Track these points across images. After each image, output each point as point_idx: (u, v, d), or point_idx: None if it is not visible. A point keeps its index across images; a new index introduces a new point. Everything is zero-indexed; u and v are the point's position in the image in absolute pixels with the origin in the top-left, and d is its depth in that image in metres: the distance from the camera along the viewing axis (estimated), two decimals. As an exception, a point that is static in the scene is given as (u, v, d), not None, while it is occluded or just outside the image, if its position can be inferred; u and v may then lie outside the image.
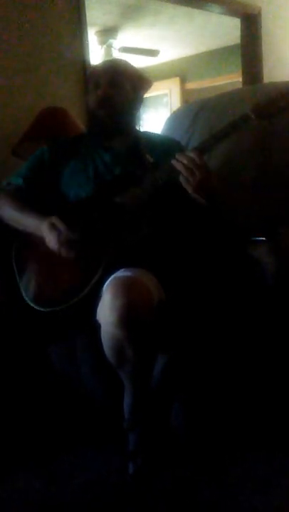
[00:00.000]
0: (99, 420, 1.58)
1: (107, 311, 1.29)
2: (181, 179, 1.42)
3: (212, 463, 1.48)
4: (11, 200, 1.64)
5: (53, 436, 1.62)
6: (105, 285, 1.35)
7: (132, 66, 1.70)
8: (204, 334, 1.44)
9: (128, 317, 1.25)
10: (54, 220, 1.47)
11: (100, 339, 1.36)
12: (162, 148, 1.65)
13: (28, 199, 1.64)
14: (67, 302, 1.41)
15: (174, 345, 1.44)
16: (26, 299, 1.48)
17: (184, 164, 1.41)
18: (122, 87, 1.62)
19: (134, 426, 1.41)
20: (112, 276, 1.35)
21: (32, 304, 1.46)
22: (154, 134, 1.81)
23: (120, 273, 1.35)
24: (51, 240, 1.46)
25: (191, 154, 1.43)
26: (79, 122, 2.33)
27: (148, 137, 1.72)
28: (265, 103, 1.47)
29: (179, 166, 1.42)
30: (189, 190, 1.43)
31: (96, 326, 1.38)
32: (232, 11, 3.65)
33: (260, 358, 1.55)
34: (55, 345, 1.65)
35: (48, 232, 1.47)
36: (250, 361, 1.54)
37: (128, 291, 1.27)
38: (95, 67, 1.76)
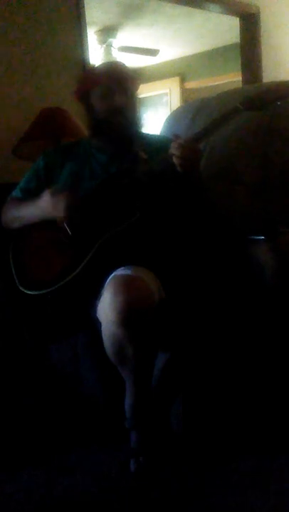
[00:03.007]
0: (100, 418, 1.59)
1: (107, 309, 1.30)
2: (175, 159, 1.46)
3: (212, 462, 1.48)
4: (9, 205, 1.74)
5: (54, 433, 1.62)
6: (106, 283, 1.36)
7: (129, 68, 1.70)
8: (204, 332, 1.45)
9: (128, 315, 1.26)
10: (50, 189, 1.56)
11: (100, 337, 1.37)
12: (157, 145, 1.65)
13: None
14: (55, 286, 1.44)
15: (174, 343, 1.45)
16: (18, 284, 1.52)
17: (177, 146, 1.45)
18: (132, 94, 1.63)
19: (135, 424, 1.42)
20: (112, 275, 1.36)
21: (22, 289, 1.50)
22: (149, 134, 1.82)
23: (120, 271, 1.36)
24: (53, 201, 1.52)
25: (185, 139, 1.49)
26: (79, 122, 2.33)
27: (143, 137, 1.73)
28: (253, 96, 1.54)
29: (174, 149, 1.46)
30: (181, 169, 1.46)
31: (97, 324, 1.39)
32: (231, 10, 3.66)
33: (259, 357, 1.55)
34: (56, 344, 1.66)
35: (49, 198, 1.53)
36: (250, 360, 1.54)
37: (128, 289, 1.28)
38: (97, 73, 1.71)
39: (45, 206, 1.55)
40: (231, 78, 5.00)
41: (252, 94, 1.55)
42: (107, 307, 1.30)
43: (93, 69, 1.86)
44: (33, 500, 1.40)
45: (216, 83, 5.48)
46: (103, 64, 1.84)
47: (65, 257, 1.50)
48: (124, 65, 1.71)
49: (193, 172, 1.51)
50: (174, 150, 1.46)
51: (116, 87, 1.60)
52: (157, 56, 5.19)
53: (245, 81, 3.84)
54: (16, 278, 1.54)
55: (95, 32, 4.59)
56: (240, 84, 3.96)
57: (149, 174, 1.52)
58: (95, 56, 4.60)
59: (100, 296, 1.37)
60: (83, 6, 2.69)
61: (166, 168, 1.49)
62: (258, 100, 1.54)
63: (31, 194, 1.70)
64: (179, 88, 5.95)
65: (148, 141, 1.70)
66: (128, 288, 1.28)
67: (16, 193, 1.76)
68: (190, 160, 1.46)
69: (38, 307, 1.50)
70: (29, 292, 1.49)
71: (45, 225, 1.58)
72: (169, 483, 1.42)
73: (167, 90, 5.99)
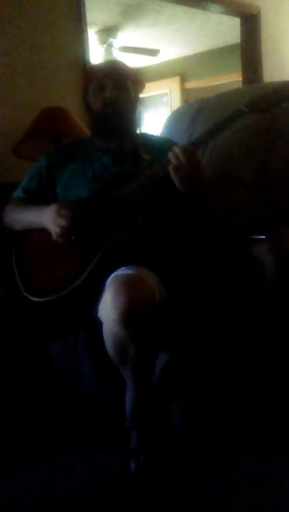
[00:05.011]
0: (100, 417, 1.59)
1: (108, 308, 1.30)
2: (170, 168, 1.43)
3: (212, 461, 1.49)
4: (12, 206, 1.73)
5: (55, 432, 1.63)
6: (107, 283, 1.36)
7: (130, 67, 1.71)
8: (204, 332, 1.45)
9: (130, 315, 1.26)
10: (61, 203, 1.52)
11: (101, 337, 1.37)
12: (159, 148, 1.65)
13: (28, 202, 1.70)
14: (60, 293, 1.43)
15: (174, 343, 1.45)
16: (22, 289, 1.51)
17: (175, 154, 1.43)
18: (127, 89, 1.63)
19: (136, 424, 1.42)
20: (114, 274, 1.36)
21: (26, 294, 1.49)
22: (152, 136, 1.83)
23: (122, 271, 1.36)
24: (55, 223, 1.49)
25: (185, 146, 1.46)
26: (79, 122, 2.34)
27: (146, 138, 1.73)
28: (258, 98, 1.52)
29: (171, 157, 1.44)
30: (176, 180, 1.44)
31: (98, 324, 1.39)
32: (231, 10, 3.66)
33: (259, 356, 1.55)
34: (56, 342, 1.66)
35: (53, 213, 1.50)
36: (250, 359, 1.55)
37: (129, 289, 1.28)
38: (95, 69, 1.75)
39: (47, 219, 1.53)
40: (231, 78, 5.01)
41: (257, 96, 1.52)
42: (108, 307, 1.30)
43: (93, 66, 1.87)
44: (33, 499, 1.40)
45: (216, 83, 5.50)
46: (104, 62, 1.85)
47: (70, 262, 1.49)
48: (123, 63, 1.71)
49: (191, 182, 1.45)
50: (171, 157, 1.43)
51: (108, 82, 1.61)
52: (157, 56, 5.19)
53: (245, 81, 3.85)
54: (20, 284, 1.53)
55: (95, 32, 4.59)
56: (240, 85, 3.97)
57: (150, 176, 1.51)
58: (96, 56, 4.60)
59: (101, 296, 1.38)
60: (83, 6, 2.70)
61: (168, 172, 1.48)
62: (263, 102, 1.51)
63: (33, 194, 1.70)
64: (179, 88, 5.96)
65: (151, 143, 1.70)
66: (129, 288, 1.28)
67: (18, 192, 1.74)
68: (186, 171, 1.42)
69: (41, 310, 1.49)
70: (34, 299, 1.48)
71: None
72: (168, 482, 1.42)
73: (167, 90, 6.00)
